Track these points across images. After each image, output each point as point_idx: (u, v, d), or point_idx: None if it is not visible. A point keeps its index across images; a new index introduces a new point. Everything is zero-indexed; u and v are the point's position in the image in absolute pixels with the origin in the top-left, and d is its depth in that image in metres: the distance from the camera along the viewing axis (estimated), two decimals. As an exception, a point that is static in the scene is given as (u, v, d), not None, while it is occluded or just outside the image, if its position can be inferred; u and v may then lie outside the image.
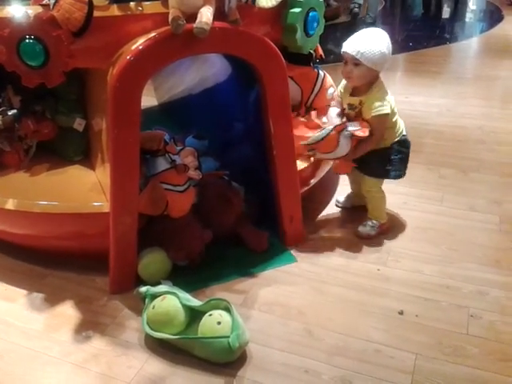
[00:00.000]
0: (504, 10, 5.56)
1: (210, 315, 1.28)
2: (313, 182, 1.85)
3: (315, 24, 1.66)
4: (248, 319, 1.38)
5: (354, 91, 1.65)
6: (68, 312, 1.44)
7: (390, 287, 1.53)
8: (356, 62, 1.56)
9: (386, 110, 1.60)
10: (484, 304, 1.45)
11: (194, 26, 1.26)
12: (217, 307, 1.30)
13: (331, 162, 1.87)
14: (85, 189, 1.61)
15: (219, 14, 1.33)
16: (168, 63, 1.35)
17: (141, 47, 1.26)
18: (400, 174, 1.72)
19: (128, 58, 1.25)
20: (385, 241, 1.75)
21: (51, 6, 1.30)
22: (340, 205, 1.95)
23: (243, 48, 1.38)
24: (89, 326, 1.38)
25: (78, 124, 1.69)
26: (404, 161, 1.72)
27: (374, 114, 1.60)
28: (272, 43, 1.42)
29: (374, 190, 1.76)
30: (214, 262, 1.59)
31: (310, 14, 1.62)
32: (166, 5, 1.33)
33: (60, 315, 1.43)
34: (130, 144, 1.34)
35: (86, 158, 1.77)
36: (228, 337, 1.21)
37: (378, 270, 1.60)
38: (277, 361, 1.27)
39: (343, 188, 2.02)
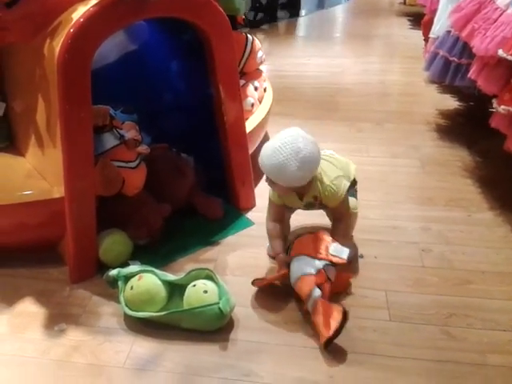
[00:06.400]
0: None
1: (194, 286, 1.26)
2: (257, 143, 1.86)
3: (248, -14, 1.64)
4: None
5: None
6: (30, 309, 1.33)
7: (345, 235, 1.62)
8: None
9: (346, 186, 1.39)
10: (430, 238, 1.60)
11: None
12: (198, 277, 1.29)
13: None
14: (20, 177, 1.48)
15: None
16: (117, 29, 1.26)
17: (89, 13, 1.16)
18: None
19: (77, 25, 1.15)
20: (328, 194, 1.83)
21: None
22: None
23: (193, 12, 1.33)
24: (59, 319, 1.29)
25: (-2, 108, 1.53)
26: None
27: (342, 197, 1.37)
28: (219, 7, 1.38)
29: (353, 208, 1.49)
30: (175, 235, 1.56)
31: (244, -26, 1.60)
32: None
33: (22, 314, 1.31)
34: (83, 119, 1.24)
35: (11, 145, 1.61)
36: (218, 303, 1.21)
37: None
38: (262, 318, 1.30)
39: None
